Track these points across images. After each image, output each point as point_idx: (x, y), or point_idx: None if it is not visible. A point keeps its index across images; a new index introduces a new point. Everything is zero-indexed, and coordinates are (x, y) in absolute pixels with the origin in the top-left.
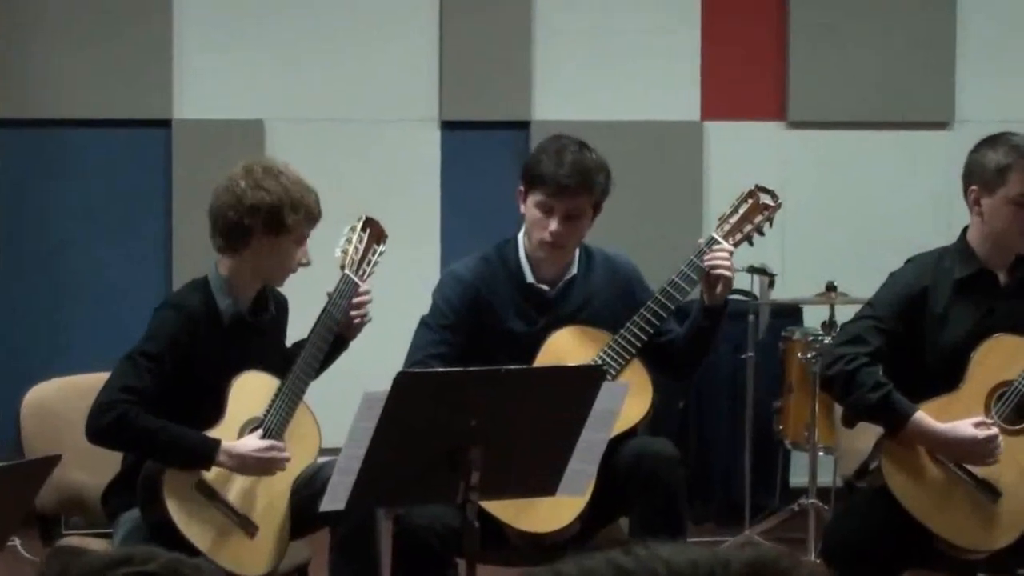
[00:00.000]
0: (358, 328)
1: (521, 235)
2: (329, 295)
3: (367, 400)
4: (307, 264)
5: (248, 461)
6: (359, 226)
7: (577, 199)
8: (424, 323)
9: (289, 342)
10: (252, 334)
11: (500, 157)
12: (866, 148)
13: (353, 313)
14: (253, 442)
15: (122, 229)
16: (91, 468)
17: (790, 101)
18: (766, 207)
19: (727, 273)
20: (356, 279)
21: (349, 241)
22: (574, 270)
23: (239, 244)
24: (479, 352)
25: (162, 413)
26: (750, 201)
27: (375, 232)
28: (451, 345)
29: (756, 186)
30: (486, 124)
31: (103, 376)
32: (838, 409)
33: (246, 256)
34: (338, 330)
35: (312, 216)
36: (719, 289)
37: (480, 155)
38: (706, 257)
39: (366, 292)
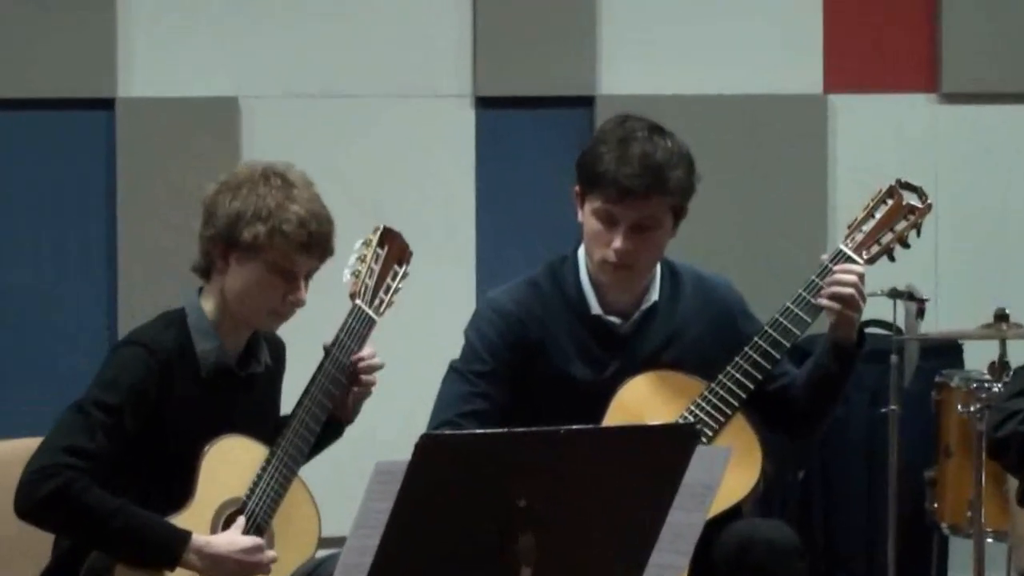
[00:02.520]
0: (357, 405)
1: (582, 251)
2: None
3: (380, 473)
4: (297, 304)
5: (226, 565)
6: (375, 240)
7: (647, 204)
8: (454, 370)
9: (286, 398)
10: (238, 389)
11: (554, 144)
12: None
13: (361, 366)
14: (234, 538)
15: (51, 233)
16: (9, 559)
17: (944, 67)
18: (912, 210)
19: (855, 296)
20: (371, 312)
21: (362, 260)
22: (654, 297)
23: (206, 265)
24: (528, 408)
25: (116, 486)
26: (890, 202)
27: (396, 249)
28: (490, 399)
29: (898, 182)
30: (535, 101)
31: (30, 443)
32: (1012, 482)
33: (215, 284)
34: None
35: (305, 243)
36: (848, 320)
37: (528, 142)
38: (830, 278)
39: (373, 356)
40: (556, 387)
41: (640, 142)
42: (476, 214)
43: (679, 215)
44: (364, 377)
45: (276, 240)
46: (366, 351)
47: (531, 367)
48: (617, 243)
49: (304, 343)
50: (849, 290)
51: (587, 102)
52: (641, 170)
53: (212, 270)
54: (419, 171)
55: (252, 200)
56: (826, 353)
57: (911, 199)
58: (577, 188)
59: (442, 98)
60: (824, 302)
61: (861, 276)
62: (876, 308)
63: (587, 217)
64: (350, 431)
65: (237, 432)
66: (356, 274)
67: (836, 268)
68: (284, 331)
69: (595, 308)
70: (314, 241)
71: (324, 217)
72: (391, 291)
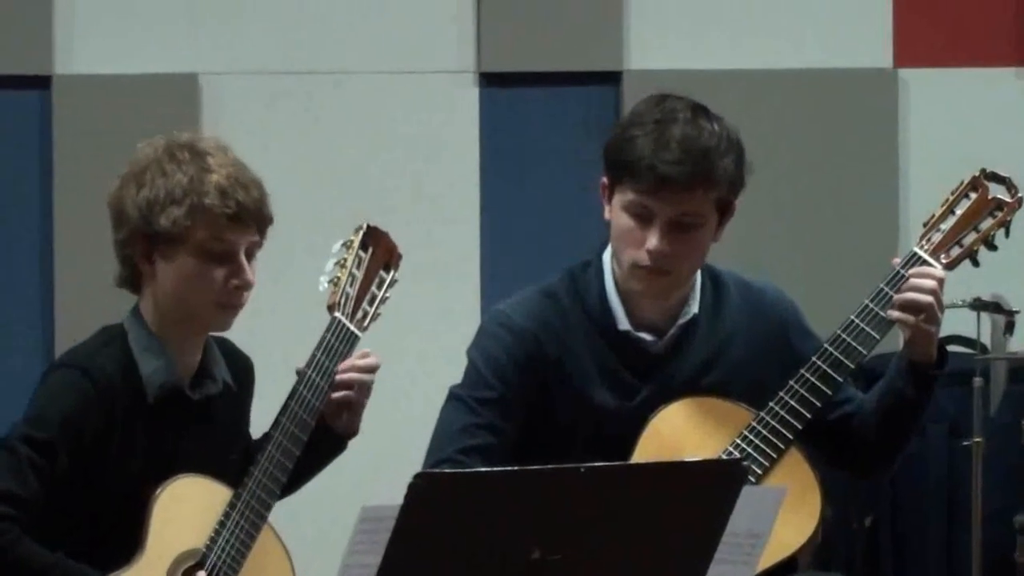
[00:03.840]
0: (355, 414)
1: (608, 255)
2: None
3: (366, 519)
4: (244, 287)
5: None
6: (357, 241)
7: (690, 197)
8: (456, 397)
9: (256, 430)
10: (192, 416)
11: (574, 128)
12: None
13: (346, 377)
14: None
15: None
16: None
17: None
18: (999, 205)
19: (933, 307)
20: (353, 327)
21: (342, 265)
22: (694, 309)
23: (131, 274)
24: (543, 442)
25: (52, 537)
26: (973, 196)
27: (382, 251)
28: (498, 431)
29: (983, 172)
30: (550, 77)
31: None
32: None
33: (147, 293)
34: (322, 420)
35: (233, 214)
36: (926, 335)
37: (541, 125)
38: (904, 286)
39: (367, 356)
40: (577, 417)
41: (681, 124)
42: (480, 210)
43: (725, 212)
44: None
45: (198, 219)
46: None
47: (547, 394)
48: (652, 243)
49: (275, 362)
50: (927, 298)
51: (613, 78)
52: (683, 156)
53: (140, 279)
54: (412, 159)
55: (161, 183)
56: (900, 375)
57: (998, 192)
58: (605, 179)
59: (440, 74)
60: (896, 314)
61: (940, 281)
62: (957, 322)
63: (616, 213)
64: (332, 472)
65: (193, 470)
66: (335, 282)
67: (910, 274)
68: (252, 350)
69: (623, 323)
70: (243, 210)
71: (250, 181)
72: (377, 301)
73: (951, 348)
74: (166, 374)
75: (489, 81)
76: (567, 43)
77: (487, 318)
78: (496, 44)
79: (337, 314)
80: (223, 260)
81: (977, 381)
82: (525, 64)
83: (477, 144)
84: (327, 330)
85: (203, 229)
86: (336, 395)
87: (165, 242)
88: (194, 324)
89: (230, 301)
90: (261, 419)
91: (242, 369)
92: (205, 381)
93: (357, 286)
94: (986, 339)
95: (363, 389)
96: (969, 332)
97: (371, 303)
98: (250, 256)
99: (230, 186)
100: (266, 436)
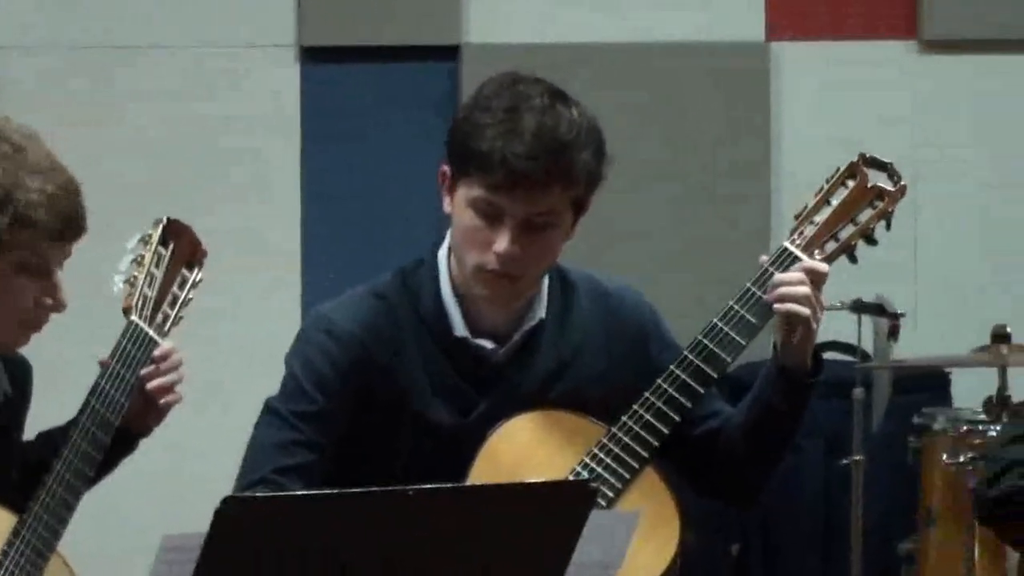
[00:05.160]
0: (158, 415)
1: (443, 252)
2: (101, 366)
3: (168, 549)
4: (56, 308)
5: None
6: (156, 236)
7: (545, 195)
8: (272, 411)
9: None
10: None
11: (406, 107)
12: None
13: (152, 386)
14: None
15: None
16: None
17: (924, 9)
18: (880, 194)
19: (802, 311)
20: (152, 332)
21: (139, 263)
22: (540, 314)
23: None
24: (371, 459)
25: None
26: (851, 184)
27: (184, 247)
28: (319, 449)
29: (862, 157)
30: (377, 51)
31: None
32: (1014, 556)
33: None
34: (122, 421)
35: (60, 229)
36: (794, 340)
37: (368, 103)
38: (772, 285)
39: (170, 355)
40: (408, 433)
41: (536, 112)
42: (302, 199)
43: (581, 210)
44: (166, 380)
45: (22, 235)
46: (165, 346)
47: (374, 407)
48: (501, 245)
49: (62, 367)
50: (802, 289)
51: (450, 53)
52: (538, 150)
53: None
54: (224, 143)
55: None
56: (771, 384)
57: (879, 180)
58: (446, 168)
59: (256, 48)
60: (782, 313)
61: (818, 274)
62: (835, 326)
63: (460, 208)
64: (131, 492)
65: None
66: (131, 282)
67: (782, 271)
68: (36, 355)
69: (459, 329)
70: (69, 224)
71: (72, 184)
72: (179, 303)
73: (829, 355)
74: None
75: (311, 56)
76: (398, 14)
77: (308, 321)
78: (319, 15)
79: (134, 317)
80: (37, 275)
81: (857, 392)
82: (351, 37)
83: (298, 126)
84: (122, 335)
85: (24, 245)
86: (151, 386)
87: None
88: None
89: (36, 322)
90: (41, 426)
91: (19, 374)
92: None
93: (156, 286)
94: (868, 345)
95: (167, 391)
96: (849, 337)
97: (172, 305)
98: (59, 268)
99: (57, 193)
100: (55, 454)
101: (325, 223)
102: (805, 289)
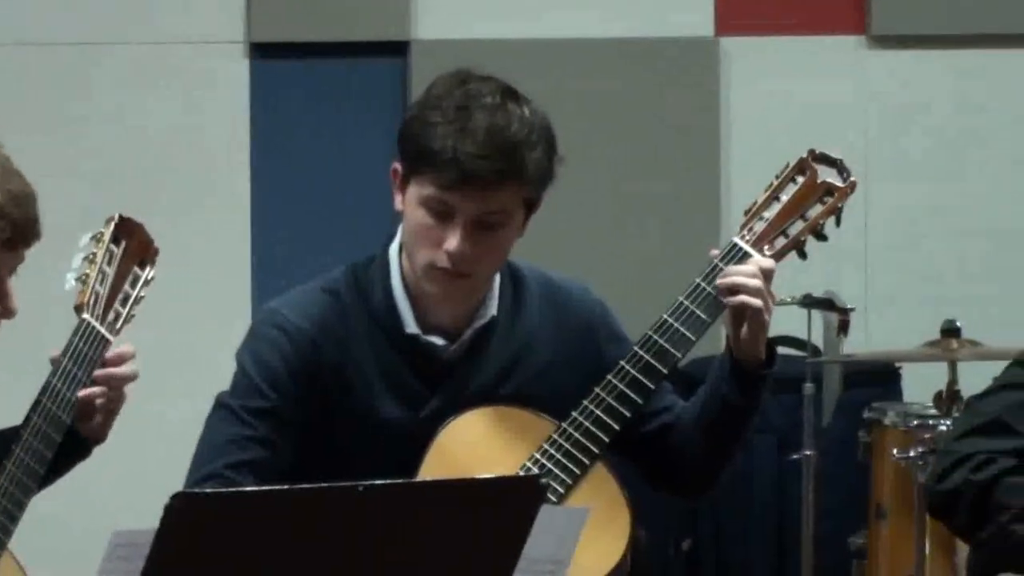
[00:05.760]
0: (108, 418)
1: (395, 249)
2: (52, 363)
3: (118, 545)
4: (7, 315)
5: None
6: (108, 233)
7: (497, 194)
8: (224, 406)
9: None
10: None
11: (355, 104)
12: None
13: (94, 391)
14: None
15: None
16: None
17: (874, 4)
18: (830, 190)
19: (754, 303)
20: (104, 330)
21: (91, 261)
22: (492, 311)
23: None
24: (323, 455)
25: None
26: (800, 180)
27: (136, 245)
28: (271, 445)
29: (812, 153)
30: (329, 47)
31: None
32: (963, 550)
33: None
34: (72, 422)
35: (10, 238)
36: (746, 334)
37: (317, 100)
38: (724, 275)
39: (124, 357)
40: (359, 429)
41: (488, 111)
42: (251, 195)
43: (532, 208)
44: (93, 391)
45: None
46: (118, 348)
47: (326, 403)
48: (452, 244)
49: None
50: (753, 282)
51: (400, 49)
52: (490, 149)
53: None
54: (173, 140)
55: None
56: (724, 378)
57: (828, 176)
58: (397, 165)
59: (205, 44)
60: (733, 307)
61: (767, 271)
62: (785, 321)
63: (411, 206)
64: (82, 493)
65: None
66: (83, 280)
67: (732, 266)
68: None
69: (411, 326)
70: (21, 232)
71: (27, 191)
72: (131, 301)
73: (779, 350)
74: None
75: (260, 52)
76: (348, 10)
77: (259, 317)
78: (268, 11)
79: (86, 315)
80: None
81: (808, 387)
82: (301, 34)
83: (247, 123)
84: (74, 333)
85: None
86: (84, 392)
87: None
88: None
89: None
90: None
91: None
92: None
93: (108, 284)
94: (818, 340)
95: (117, 390)
96: (799, 332)
97: (124, 303)
98: (10, 274)
99: (9, 201)
100: (7, 454)
101: (275, 219)
102: (757, 282)
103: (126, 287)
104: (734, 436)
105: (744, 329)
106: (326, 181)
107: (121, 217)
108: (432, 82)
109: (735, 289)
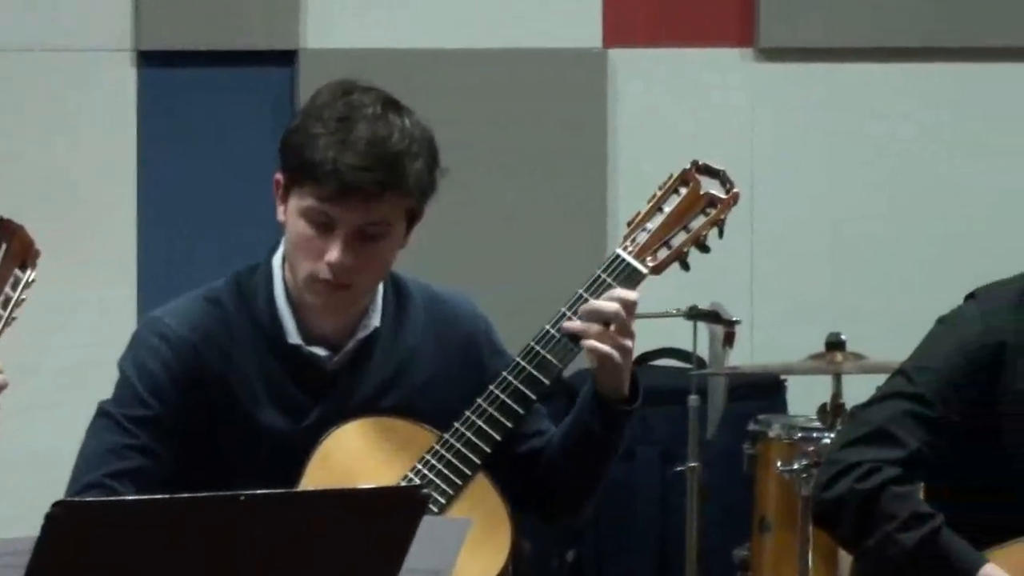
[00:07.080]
0: None
1: (278, 259)
2: None
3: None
4: None
5: None
6: None
7: (378, 206)
8: (105, 415)
9: None
10: None
11: (242, 113)
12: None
13: None
14: None
15: None
16: None
17: (761, 17)
18: (712, 201)
19: (602, 349)
20: None
21: None
22: (375, 323)
23: None
24: (206, 465)
25: None
26: (683, 191)
27: (16, 247)
28: (152, 454)
29: (695, 164)
30: (217, 56)
31: None
32: (846, 560)
33: None
34: None
35: None
36: (603, 373)
37: (208, 109)
38: (566, 323)
39: None
40: (242, 439)
41: (369, 122)
42: (137, 203)
43: (414, 219)
44: None
45: None
46: None
47: (209, 412)
48: (333, 255)
49: None
50: (595, 327)
51: (288, 58)
52: (371, 160)
53: None
54: (59, 146)
55: None
56: (588, 408)
57: (711, 187)
58: (279, 176)
59: (92, 52)
60: (575, 324)
61: (626, 304)
62: (671, 333)
63: (292, 217)
64: None
65: None
66: None
67: (606, 288)
68: None
69: (293, 336)
70: None
71: None
72: (11, 304)
73: (664, 362)
74: None
75: (148, 60)
76: (236, 19)
77: (142, 325)
78: (156, 19)
79: None
80: None
81: (693, 399)
82: (189, 42)
83: (135, 130)
84: None
85: None
86: None
87: None
88: None
89: None
90: None
91: None
92: None
93: None
94: (703, 352)
95: None
96: (684, 344)
97: (5, 306)
98: None
99: None
100: None
101: (161, 227)
102: (598, 328)
103: (7, 290)
104: (596, 467)
105: (603, 369)
106: (213, 190)
107: (1, 219)
108: (315, 93)
109: (577, 336)
